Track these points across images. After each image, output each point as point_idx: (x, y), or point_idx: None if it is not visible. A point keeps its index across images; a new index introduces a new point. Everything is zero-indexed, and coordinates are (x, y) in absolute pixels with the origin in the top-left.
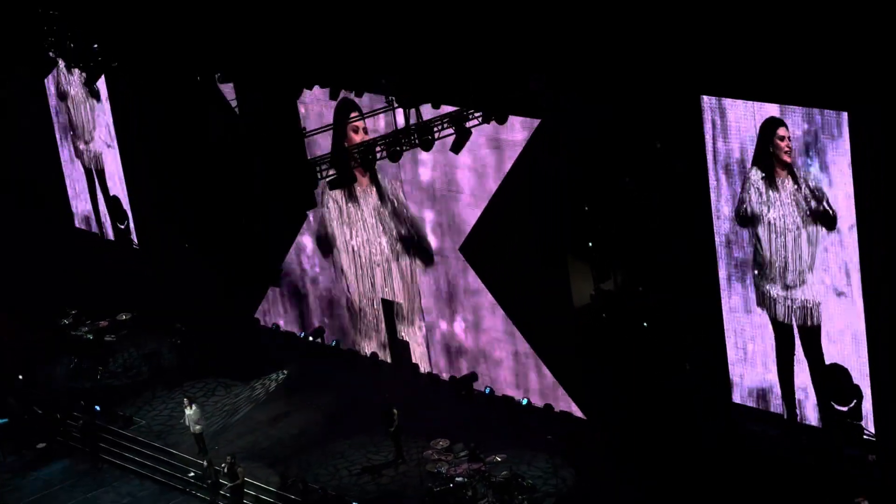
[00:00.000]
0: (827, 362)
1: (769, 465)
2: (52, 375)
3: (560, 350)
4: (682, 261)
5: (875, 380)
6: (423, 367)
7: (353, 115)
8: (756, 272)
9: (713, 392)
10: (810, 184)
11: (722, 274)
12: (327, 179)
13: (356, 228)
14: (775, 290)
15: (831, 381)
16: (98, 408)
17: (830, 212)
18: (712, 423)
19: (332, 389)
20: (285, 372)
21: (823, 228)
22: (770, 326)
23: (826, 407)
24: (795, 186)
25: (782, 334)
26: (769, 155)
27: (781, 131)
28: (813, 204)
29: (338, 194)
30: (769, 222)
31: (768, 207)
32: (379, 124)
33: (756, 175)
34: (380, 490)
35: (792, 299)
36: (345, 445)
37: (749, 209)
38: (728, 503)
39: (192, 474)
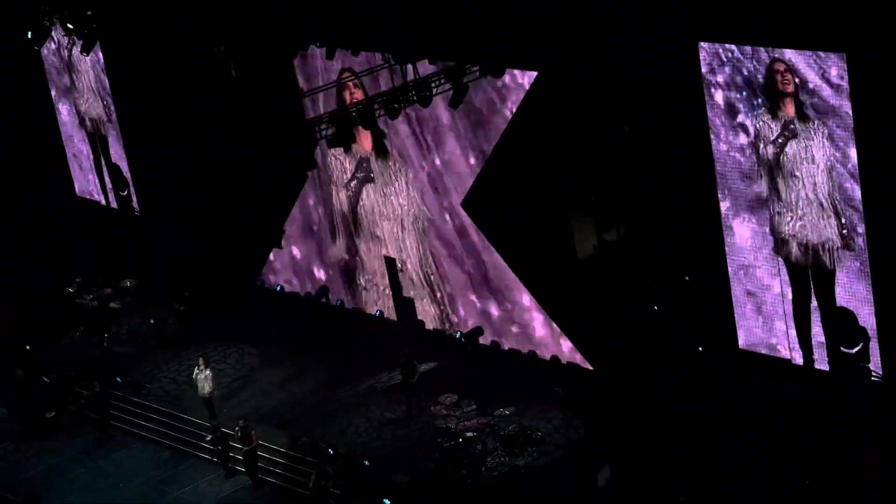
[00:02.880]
0: (836, 305)
1: (775, 412)
2: (59, 345)
3: (565, 302)
4: (685, 208)
5: (882, 322)
6: (429, 324)
7: (345, 75)
8: (767, 215)
9: (719, 339)
10: (816, 123)
11: (727, 219)
12: (325, 139)
13: (359, 187)
14: (786, 233)
15: (839, 324)
16: (119, 379)
17: (838, 154)
18: (718, 370)
19: (338, 349)
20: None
21: (832, 168)
22: (778, 271)
23: (834, 351)
24: (803, 125)
25: (793, 278)
26: (774, 94)
27: (779, 66)
28: (825, 144)
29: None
30: (778, 163)
31: (777, 148)
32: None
33: (764, 116)
34: (390, 446)
35: (802, 242)
36: (351, 404)
37: (757, 150)
38: (734, 451)
39: (209, 438)
